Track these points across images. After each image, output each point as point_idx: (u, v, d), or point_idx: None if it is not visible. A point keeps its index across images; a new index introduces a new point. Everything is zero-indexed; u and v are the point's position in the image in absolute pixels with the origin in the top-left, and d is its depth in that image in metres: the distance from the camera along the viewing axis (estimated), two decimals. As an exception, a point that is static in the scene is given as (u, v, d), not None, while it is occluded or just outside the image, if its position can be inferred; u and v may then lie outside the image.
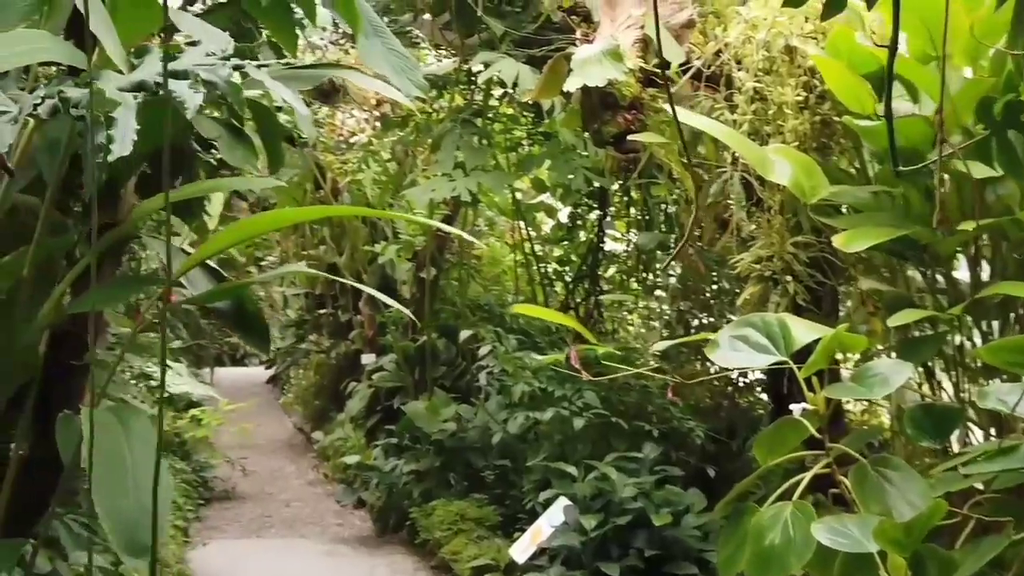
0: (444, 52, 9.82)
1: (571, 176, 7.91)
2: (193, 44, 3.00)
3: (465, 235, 5.08)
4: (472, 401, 8.70)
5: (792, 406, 4.02)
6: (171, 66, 2.73)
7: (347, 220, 11.42)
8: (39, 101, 2.59)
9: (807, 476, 4.07)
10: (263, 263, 15.77)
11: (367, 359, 10.92)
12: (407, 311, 4.21)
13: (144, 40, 3.50)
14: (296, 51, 4.47)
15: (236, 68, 2.77)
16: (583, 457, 6.96)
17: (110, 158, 2.54)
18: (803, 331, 4.20)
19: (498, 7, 8.02)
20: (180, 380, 10.78)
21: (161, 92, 2.66)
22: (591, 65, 5.87)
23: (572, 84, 5.83)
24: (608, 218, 9.66)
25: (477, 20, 7.82)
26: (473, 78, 8.69)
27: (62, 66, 3.83)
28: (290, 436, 14.22)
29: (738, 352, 4.21)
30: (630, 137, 5.94)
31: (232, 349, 19.45)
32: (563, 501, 6.55)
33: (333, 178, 10.80)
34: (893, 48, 2.75)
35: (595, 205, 9.65)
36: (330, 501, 10.25)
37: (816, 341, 4.09)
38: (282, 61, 3.96)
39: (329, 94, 10.95)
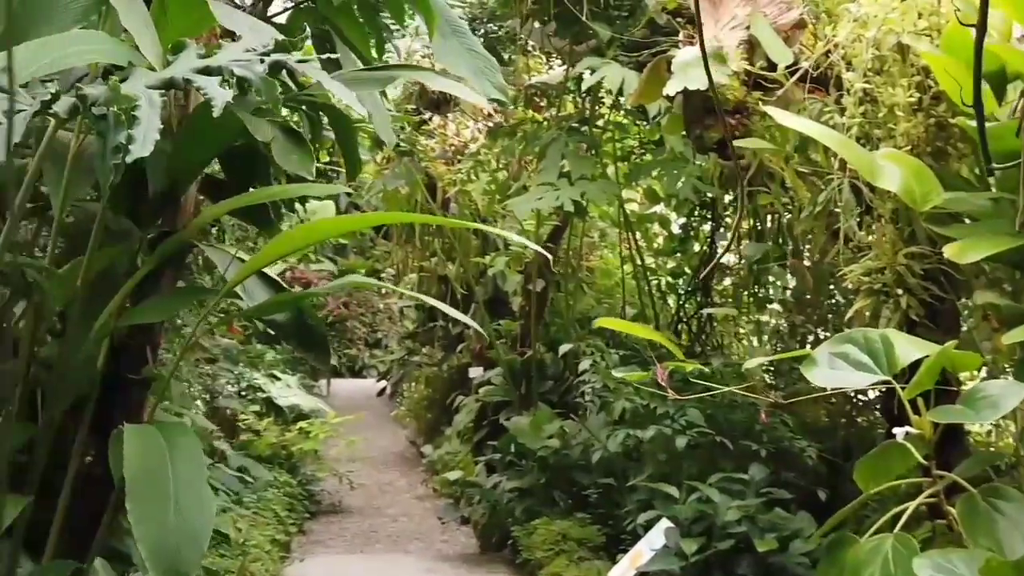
0: (556, 60, 9.62)
1: (679, 185, 7.63)
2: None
3: (535, 248, 4.76)
4: (573, 417, 8.46)
5: (895, 429, 3.71)
6: (205, 63, 2.58)
7: (458, 231, 11.28)
8: (48, 98, 2.44)
9: (911, 506, 3.77)
10: (382, 275, 15.77)
11: (475, 372, 10.75)
12: (474, 324, 3.98)
13: (203, 39, 3.36)
14: (373, 53, 4.30)
15: (275, 64, 2.59)
16: (688, 477, 6.69)
17: (128, 159, 2.38)
18: (908, 348, 3.90)
19: (605, 12, 7.79)
20: (289, 392, 10.73)
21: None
22: (692, 68, 5.62)
23: (672, 87, 5.59)
24: (722, 229, 9.34)
25: (582, 26, 7.61)
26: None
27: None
28: (403, 449, 14.13)
29: (836, 370, 3.92)
30: (734, 143, 5.66)
31: (350, 361, 19.47)
32: (665, 523, 6.27)
33: (443, 188, 10.70)
34: (981, 31, 2.47)
35: (708, 215, 9.35)
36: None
37: (923, 359, 3.80)
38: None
39: (440, 104, 10.85)
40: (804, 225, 6.10)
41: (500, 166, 10.18)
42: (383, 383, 15.86)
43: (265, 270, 3.68)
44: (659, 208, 9.97)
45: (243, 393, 10.27)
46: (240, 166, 4.22)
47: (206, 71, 2.54)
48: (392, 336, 18.46)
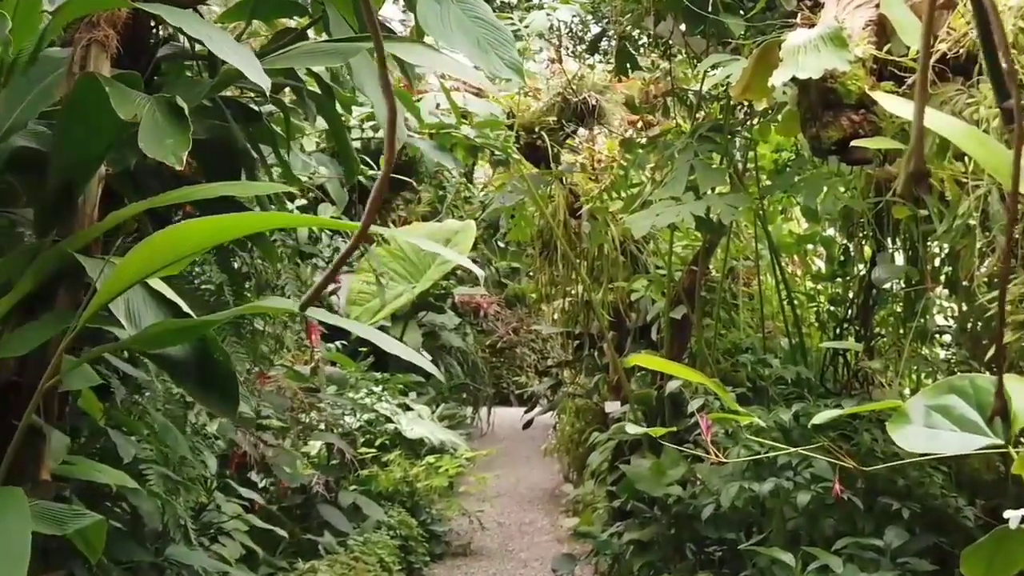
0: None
1: (820, 198, 6.66)
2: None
3: (466, 262, 3.74)
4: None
5: (1008, 513, 2.73)
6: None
7: (609, 253, 10.45)
8: None
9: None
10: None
11: (611, 407, 9.83)
12: (423, 360, 3.15)
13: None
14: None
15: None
16: (822, 538, 5.72)
17: None
18: (1033, 401, 2.91)
19: (739, 2, 6.89)
20: (419, 423, 10.04)
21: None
22: (806, 53, 4.70)
23: (779, 77, 4.68)
24: (887, 250, 8.23)
25: (711, 21, 6.73)
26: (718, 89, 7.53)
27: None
28: (555, 485, 13.29)
29: (934, 429, 2.95)
30: (855, 143, 4.71)
31: (520, 387, 18.73)
32: (784, 595, 5.32)
33: (574, 203, 9.94)
34: None
35: (871, 234, 8.26)
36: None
37: (1051, 418, 2.81)
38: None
39: (584, 116, 10.08)
40: (945, 241, 5.10)
41: (639, 180, 9.31)
42: (530, 414, 15.04)
43: (162, 287, 2.98)
44: (832, 230, 8.97)
45: (369, 423, 9.62)
46: (215, 162, 3.56)
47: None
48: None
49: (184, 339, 2.95)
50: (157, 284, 3.00)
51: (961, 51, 4.57)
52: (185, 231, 2.72)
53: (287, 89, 4.74)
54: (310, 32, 4.07)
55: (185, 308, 3.02)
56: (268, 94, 3.07)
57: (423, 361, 3.12)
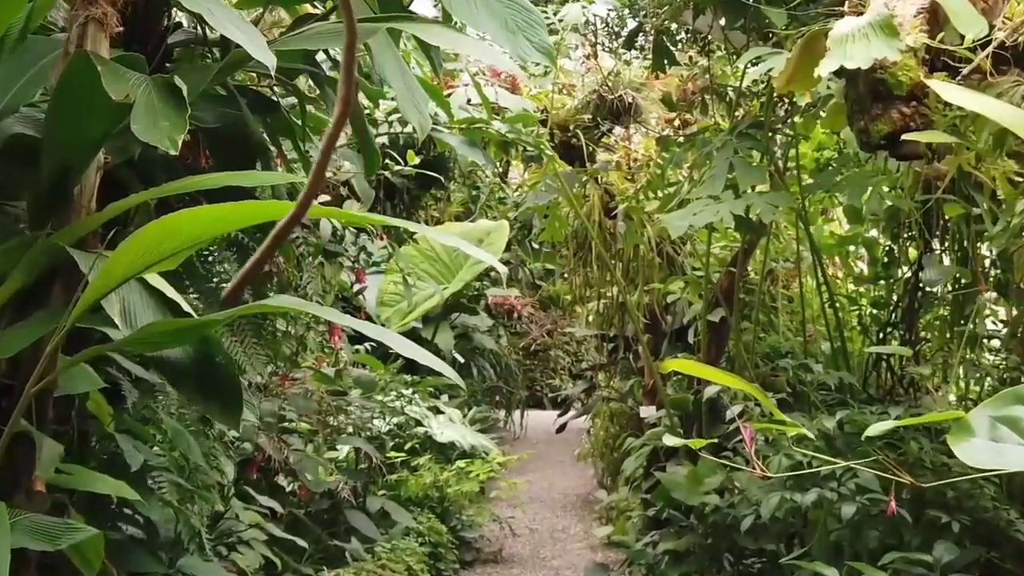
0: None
1: (864, 198, 6.41)
2: None
3: (495, 263, 3.43)
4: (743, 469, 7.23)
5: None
6: None
7: (644, 254, 10.23)
8: None
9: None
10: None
11: (646, 412, 9.58)
12: (446, 368, 2.92)
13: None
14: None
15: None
16: (868, 552, 5.47)
17: None
18: (1109, 415, 2.67)
19: (782, -7, 6.65)
20: (450, 427, 9.83)
21: None
22: (854, 42, 4.46)
23: (826, 67, 4.44)
24: (935, 251, 7.95)
25: (751, 14, 6.51)
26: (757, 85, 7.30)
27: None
28: (588, 491, 13.03)
29: (1000, 444, 2.71)
30: (906, 136, 4.46)
31: (554, 391, 18.50)
32: (827, 612, 5.07)
33: (609, 203, 9.72)
34: None
35: (916, 235, 7.98)
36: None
37: None
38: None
39: (619, 114, 9.87)
40: (1000, 242, 4.84)
41: (676, 179, 9.08)
42: (563, 418, 14.79)
43: (161, 284, 2.77)
44: (875, 231, 8.71)
45: (399, 426, 9.43)
46: (227, 153, 3.37)
47: None
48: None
49: (182, 340, 2.74)
50: (156, 280, 2.80)
51: (1019, 40, 4.33)
52: (176, 223, 2.50)
53: (310, 82, 4.56)
54: (332, 17, 3.88)
55: (186, 307, 2.82)
56: (282, 80, 2.88)
57: (442, 365, 2.90)
